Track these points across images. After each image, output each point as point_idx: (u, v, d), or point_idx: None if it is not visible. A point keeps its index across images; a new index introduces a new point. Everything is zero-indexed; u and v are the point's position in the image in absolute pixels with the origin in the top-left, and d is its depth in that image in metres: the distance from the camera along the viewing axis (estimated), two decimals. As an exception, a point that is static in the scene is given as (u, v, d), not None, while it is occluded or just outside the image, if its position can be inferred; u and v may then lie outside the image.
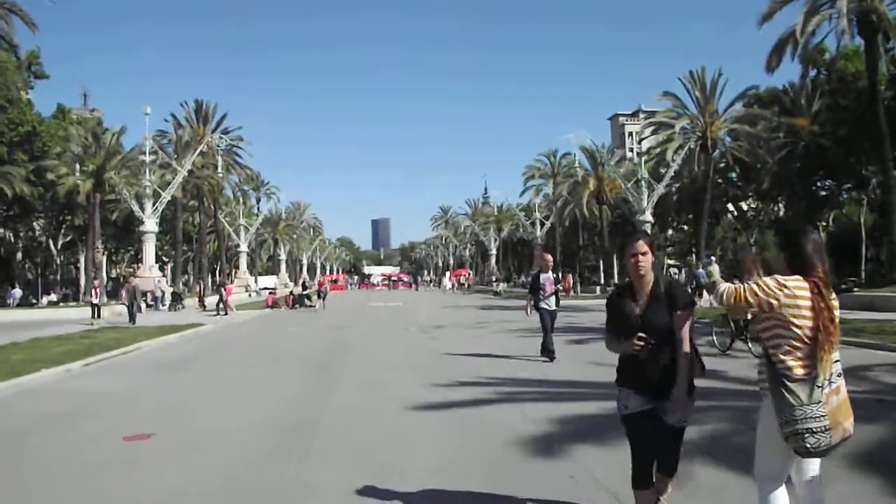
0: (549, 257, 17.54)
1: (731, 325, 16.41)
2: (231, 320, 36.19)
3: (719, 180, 61.55)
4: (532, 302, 16.97)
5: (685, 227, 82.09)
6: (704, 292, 17.96)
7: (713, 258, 49.11)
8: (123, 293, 37.34)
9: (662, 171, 59.72)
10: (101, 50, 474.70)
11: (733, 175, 60.00)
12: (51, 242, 78.09)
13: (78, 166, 53.44)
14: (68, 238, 76.32)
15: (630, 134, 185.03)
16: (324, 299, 47.67)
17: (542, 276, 16.50)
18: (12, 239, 72.20)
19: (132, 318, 33.62)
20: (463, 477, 6.98)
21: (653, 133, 59.39)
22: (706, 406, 8.85)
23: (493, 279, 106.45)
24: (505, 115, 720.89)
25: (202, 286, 59.17)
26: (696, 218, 70.07)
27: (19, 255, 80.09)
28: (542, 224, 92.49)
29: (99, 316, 37.64)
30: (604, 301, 5.66)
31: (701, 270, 35.87)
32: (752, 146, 52.60)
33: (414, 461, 7.66)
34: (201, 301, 52.29)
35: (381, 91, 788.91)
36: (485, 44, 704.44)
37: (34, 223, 71.31)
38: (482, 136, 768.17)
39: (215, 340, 23.76)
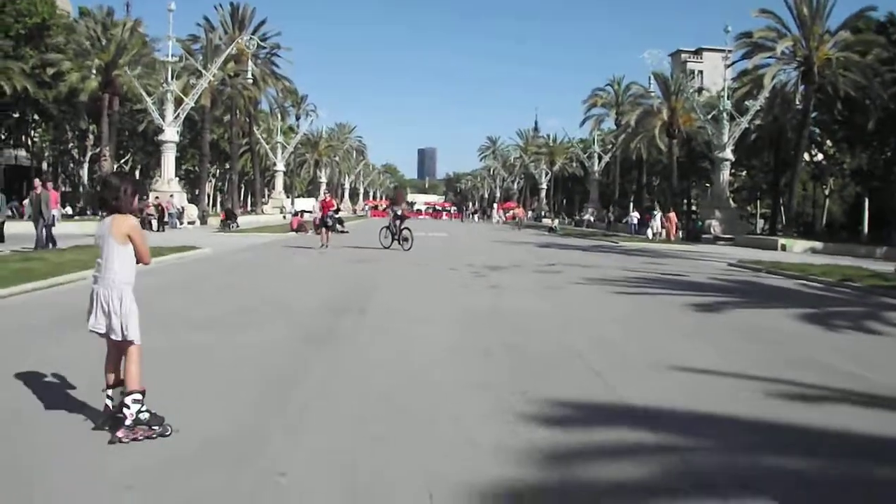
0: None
1: None
2: (239, 242, 30.45)
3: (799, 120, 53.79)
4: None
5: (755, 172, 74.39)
6: None
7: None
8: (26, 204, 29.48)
9: (748, 104, 52.55)
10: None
11: (835, 112, 51.87)
12: (75, 152, 73.03)
13: (88, 63, 47.39)
14: (97, 149, 70.97)
15: (693, 72, 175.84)
16: (336, 226, 38.39)
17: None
18: (30, 146, 66.78)
19: (39, 241, 23.92)
20: None
21: (744, 57, 51.57)
22: None
23: (544, 214, 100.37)
24: (559, 49, 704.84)
25: (231, 203, 53.96)
26: (776, 161, 63.02)
27: (45, 166, 75.41)
28: (601, 158, 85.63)
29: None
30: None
31: None
32: (866, 77, 44.78)
33: None
34: (224, 221, 47.75)
35: (430, 19, 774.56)
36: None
37: (51, 130, 65.68)
38: (534, 70, 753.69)
39: (185, 275, 17.48)
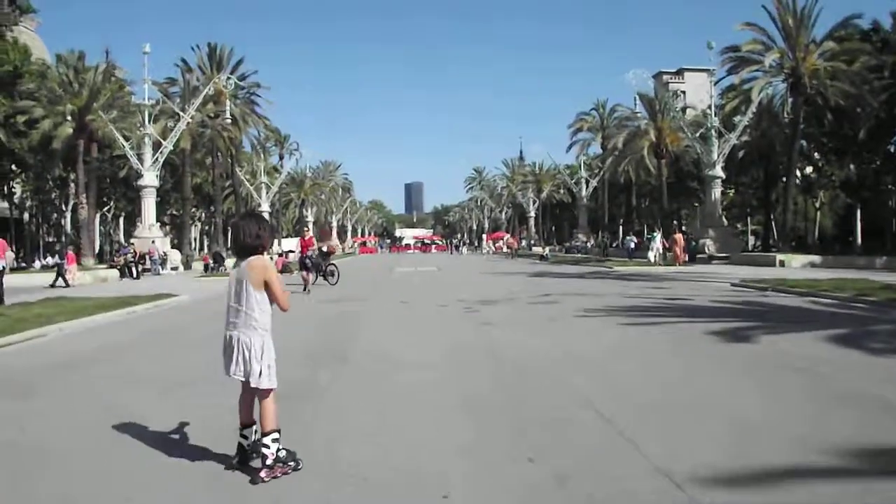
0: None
1: None
2: (220, 287, 29.05)
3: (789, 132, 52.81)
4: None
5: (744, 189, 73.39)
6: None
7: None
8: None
9: (737, 119, 51.89)
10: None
11: (825, 124, 50.96)
12: (57, 202, 71.64)
13: (60, 108, 46.17)
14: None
15: (675, 92, 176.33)
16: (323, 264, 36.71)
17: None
18: (10, 197, 65.34)
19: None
20: None
21: (730, 72, 50.78)
22: None
23: (533, 242, 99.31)
24: (541, 77, 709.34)
25: (217, 247, 52.77)
26: (766, 177, 62.32)
27: (26, 216, 74.04)
28: (588, 183, 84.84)
29: (65, 281, 31.54)
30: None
31: None
32: (855, 85, 43.99)
33: None
34: (207, 265, 46.86)
35: (413, 53, 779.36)
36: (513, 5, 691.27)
37: (31, 180, 64.18)
38: (517, 99, 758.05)
39: (154, 327, 16.10)
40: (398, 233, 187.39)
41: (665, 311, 16.88)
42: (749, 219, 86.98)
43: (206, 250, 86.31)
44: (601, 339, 12.22)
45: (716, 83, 52.56)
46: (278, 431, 5.33)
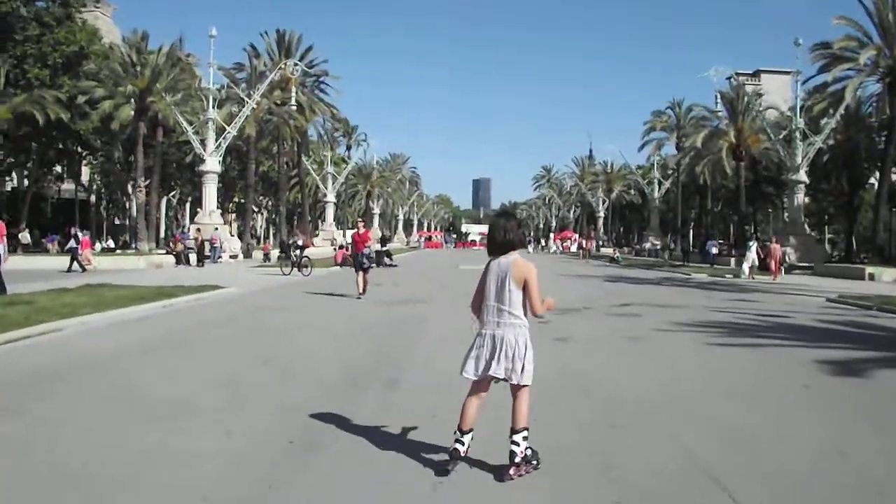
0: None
1: None
2: (273, 280, 27.66)
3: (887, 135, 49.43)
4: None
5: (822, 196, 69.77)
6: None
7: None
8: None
9: (824, 122, 49.03)
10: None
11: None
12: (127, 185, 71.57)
13: (121, 89, 45.40)
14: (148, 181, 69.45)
15: (756, 93, 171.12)
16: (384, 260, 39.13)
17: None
18: (77, 178, 65.40)
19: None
20: None
21: (821, 70, 47.67)
22: None
23: (602, 243, 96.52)
24: (616, 76, 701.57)
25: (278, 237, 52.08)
26: (850, 183, 59.10)
27: (93, 199, 74.16)
28: (661, 184, 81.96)
29: (80, 266, 31.38)
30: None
31: None
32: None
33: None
34: (266, 255, 46.85)
35: (485, 48, 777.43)
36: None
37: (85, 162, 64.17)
38: (589, 96, 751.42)
39: (187, 323, 14.37)
40: (464, 228, 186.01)
41: (764, 330, 14.71)
42: (826, 227, 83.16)
43: (271, 239, 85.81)
44: (699, 368, 10.17)
45: (803, 83, 49.57)
46: (528, 429, 5.33)
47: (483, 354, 5.31)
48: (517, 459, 5.20)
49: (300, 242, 32.43)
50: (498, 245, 5.47)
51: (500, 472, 5.18)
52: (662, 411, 7.41)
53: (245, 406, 7.29)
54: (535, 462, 5.36)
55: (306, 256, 31.62)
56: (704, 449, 6.01)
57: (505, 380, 5.31)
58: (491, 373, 5.28)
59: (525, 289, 5.37)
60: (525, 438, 5.28)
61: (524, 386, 5.35)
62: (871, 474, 5.49)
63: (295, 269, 30.79)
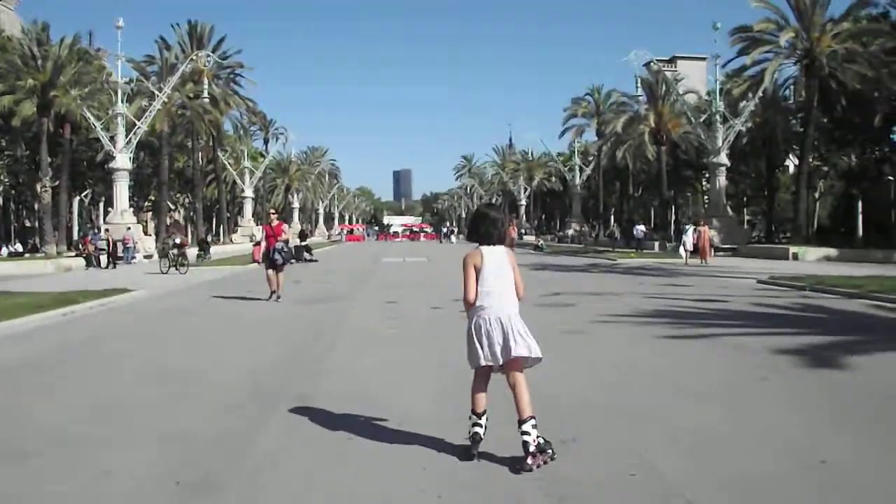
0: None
1: None
2: (186, 280, 26.57)
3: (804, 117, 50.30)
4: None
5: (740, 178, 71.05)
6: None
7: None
8: None
9: (743, 105, 49.77)
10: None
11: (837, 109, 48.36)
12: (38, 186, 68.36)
13: (20, 84, 43.09)
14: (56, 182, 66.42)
15: (675, 78, 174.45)
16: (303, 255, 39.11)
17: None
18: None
19: None
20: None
21: (741, 53, 48.10)
22: None
23: (524, 231, 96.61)
24: (531, 63, 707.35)
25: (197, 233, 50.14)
26: (768, 166, 60.41)
27: (0, 200, 70.76)
28: (582, 170, 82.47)
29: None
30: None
31: None
32: (873, 67, 41.54)
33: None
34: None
35: (399, 37, 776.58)
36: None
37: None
38: (508, 83, 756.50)
39: (81, 336, 13.03)
40: (386, 220, 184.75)
41: (706, 317, 14.16)
42: (745, 209, 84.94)
43: (189, 237, 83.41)
44: (647, 365, 9.49)
45: (723, 66, 50.17)
46: (535, 417, 5.26)
47: (496, 339, 5.32)
48: (531, 449, 5.10)
49: (177, 241, 32.13)
50: (496, 238, 5.59)
51: (514, 465, 5.09)
52: (613, 417, 6.68)
53: (129, 436, 6.28)
54: (550, 451, 5.27)
55: (183, 254, 31.38)
56: (664, 460, 5.28)
57: (487, 367, 5.42)
58: (514, 354, 5.29)
59: (515, 275, 5.58)
60: (535, 427, 5.17)
61: (538, 360, 5.48)
62: (849, 479, 4.90)
63: (173, 268, 30.33)
